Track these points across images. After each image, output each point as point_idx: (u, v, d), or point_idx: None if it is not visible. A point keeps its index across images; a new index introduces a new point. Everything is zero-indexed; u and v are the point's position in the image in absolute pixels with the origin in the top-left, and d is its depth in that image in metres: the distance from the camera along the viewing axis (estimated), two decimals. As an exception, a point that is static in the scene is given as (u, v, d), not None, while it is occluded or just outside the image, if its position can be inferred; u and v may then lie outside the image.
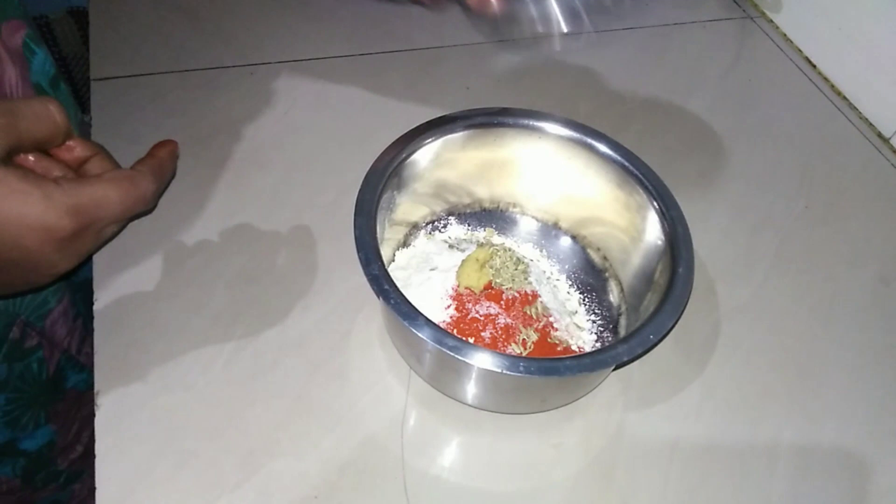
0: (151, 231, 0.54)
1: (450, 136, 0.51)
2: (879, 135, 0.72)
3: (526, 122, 0.52)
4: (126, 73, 0.65)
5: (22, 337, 0.52)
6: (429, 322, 0.40)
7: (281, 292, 0.52)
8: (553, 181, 0.54)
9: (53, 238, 0.35)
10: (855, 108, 0.75)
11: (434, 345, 0.39)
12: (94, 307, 0.49)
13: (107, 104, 0.62)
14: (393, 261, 0.52)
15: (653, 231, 0.49)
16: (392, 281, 0.42)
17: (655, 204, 0.48)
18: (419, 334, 0.39)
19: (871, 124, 0.73)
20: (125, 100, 0.62)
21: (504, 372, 0.38)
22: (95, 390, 0.45)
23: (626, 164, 0.50)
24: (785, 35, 0.82)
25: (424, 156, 0.51)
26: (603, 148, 0.51)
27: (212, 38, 0.70)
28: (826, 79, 0.78)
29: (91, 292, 0.48)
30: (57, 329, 0.55)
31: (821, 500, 0.46)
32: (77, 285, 0.57)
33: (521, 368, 0.38)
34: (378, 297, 0.41)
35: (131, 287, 0.51)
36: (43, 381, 0.55)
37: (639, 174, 0.50)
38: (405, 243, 0.54)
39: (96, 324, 0.48)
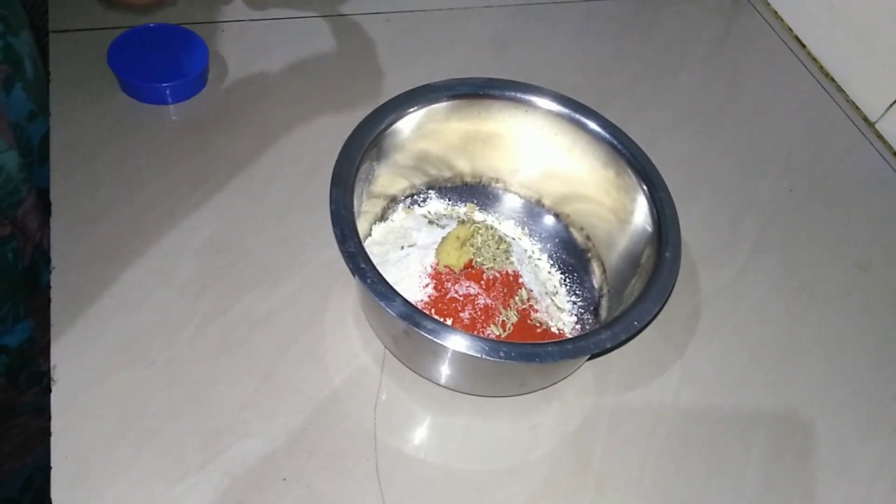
0: (114, 194, 0.51)
1: (433, 107, 0.49)
2: (865, 119, 0.72)
3: (513, 94, 0.50)
4: (86, 25, 0.61)
5: None
6: (407, 304, 0.38)
7: (251, 264, 0.49)
8: (538, 156, 0.52)
9: None
10: (843, 90, 0.74)
11: (412, 328, 0.37)
12: (52, 275, 0.46)
13: (66, 58, 0.58)
14: (370, 235, 0.50)
15: (641, 214, 0.47)
16: (368, 258, 0.40)
17: (644, 186, 0.47)
18: (396, 317, 0.38)
19: (857, 108, 0.72)
20: (85, 54, 0.58)
21: (484, 357, 0.37)
22: (52, 364, 0.43)
23: (616, 143, 0.48)
24: (776, 12, 0.80)
25: (406, 126, 0.48)
26: (592, 125, 0.49)
27: (181, -9, 0.66)
28: (815, 59, 0.76)
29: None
30: (28, 221, 0.55)
31: (793, 483, 0.46)
32: (43, 191, 0.56)
33: (502, 354, 0.37)
34: (354, 276, 0.39)
35: (92, 254, 0.48)
36: (19, 273, 0.54)
37: (628, 154, 0.48)
38: (383, 217, 0.52)
39: (53, 294, 0.46)
